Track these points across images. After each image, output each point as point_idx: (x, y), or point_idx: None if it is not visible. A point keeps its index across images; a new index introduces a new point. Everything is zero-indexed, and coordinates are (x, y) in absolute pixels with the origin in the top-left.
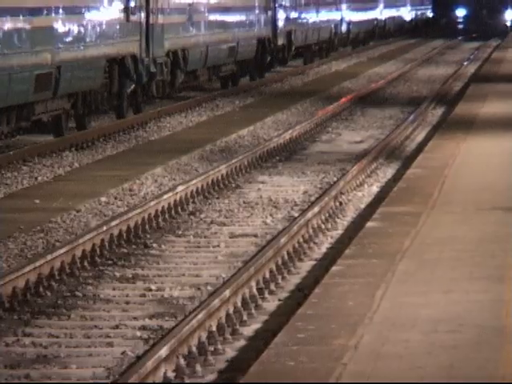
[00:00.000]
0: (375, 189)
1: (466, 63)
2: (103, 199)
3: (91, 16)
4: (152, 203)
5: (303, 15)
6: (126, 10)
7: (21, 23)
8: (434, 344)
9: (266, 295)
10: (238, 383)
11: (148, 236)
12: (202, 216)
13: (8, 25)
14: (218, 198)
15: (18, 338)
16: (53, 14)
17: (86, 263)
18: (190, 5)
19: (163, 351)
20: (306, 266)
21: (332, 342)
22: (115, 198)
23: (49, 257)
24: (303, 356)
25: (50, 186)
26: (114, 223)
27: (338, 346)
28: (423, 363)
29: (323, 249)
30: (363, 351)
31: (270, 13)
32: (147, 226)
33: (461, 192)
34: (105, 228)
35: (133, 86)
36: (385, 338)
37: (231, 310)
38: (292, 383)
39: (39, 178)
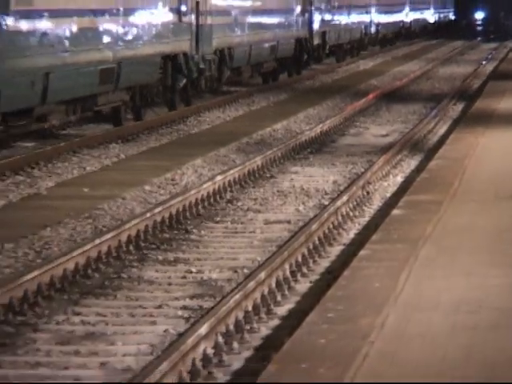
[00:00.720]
0: (400, 179)
1: (484, 62)
2: (147, 188)
3: (148, 17)
4: (192, 192)
5: (336, 17)
6: (179, 12)
7: (86, 23)
8: (455, 325)
9: (299, 277)
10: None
11: (188, 222)
12: (239, 204)
13: (75, 25)
14: (253, 187)
15: (68, 316)
16: (114, 16)
17: (131, 247)
18: (235, 7)
19: (203, 329)
20: (335, 250)
21: (359, 322)
22: (158, 187)
23: (97, 241)
24: (333, 334)
25: (98, 175)
26: (157, 210)
27: (365, 325)
28: (444, 343)
29: (351, 234)
30: (388, 330)
31: (306, 15)
32: (188, 213)
33: (480, 182)
34: (148, 215)
35: (184, 81)
36: (408, 318)
37: (266, 291)
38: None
39: (87, 168)
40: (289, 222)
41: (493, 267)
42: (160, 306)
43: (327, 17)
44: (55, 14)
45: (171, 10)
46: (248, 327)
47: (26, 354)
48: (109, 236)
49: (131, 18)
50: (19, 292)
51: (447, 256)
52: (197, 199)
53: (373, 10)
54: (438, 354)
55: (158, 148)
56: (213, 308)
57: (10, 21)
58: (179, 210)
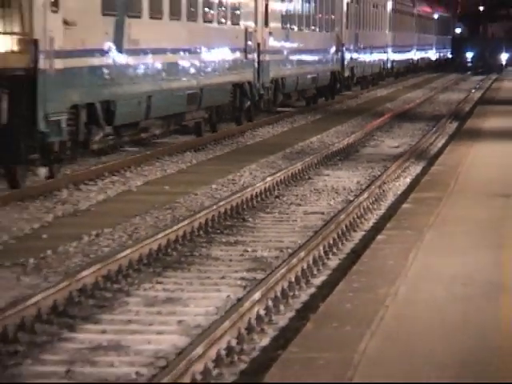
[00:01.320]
0: (408, 180)
1: (473, 91)
2: (214, 186)
3: (223, 55)
4: (248, 189)
5: (361, 55)
6: (245, 51)
7: (177, 59)
8: (453, 294)
9: (330, 256)
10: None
11: (245, 213)
12: (284, 199)
13: (169, 60)
14: (295, 186)
15: (153, 285)
16: (198, 53)
17: (201, 232)
18: (286, 48)
19: (256, 295)
20: (358, 235)
21: (377, 291)
22: (222, 186)
23: (174, 227)
24: (357, 300)
25: (176, 176)
26: (221, 203)
27: (381, 294)
28: (444, 309)
29: (370, 223)
30: (400, 298)
31: (339, 53)
32: (245, 206)
33: (471, 183)
34: (215, 207)
35: (248, 103)
36: (416, 288)
37: (305, 266)
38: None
39: (168, 171)
40: (322, 213)
41: (483, 248)
42: (223, 278)
43: (355, 55)
44: (154, 52)
45: (240, 49)
46: (291, 294)
47: (120, 314)
48: (184, 223)
49: (211, 55)
50: (115, 266)
51: (446, 240)
52: (252, 195)
53: (389, 50)
54: (439, 317)
55: (222, 155)
56: (264, 279)
57: (123, 57)
58: (238, 203)
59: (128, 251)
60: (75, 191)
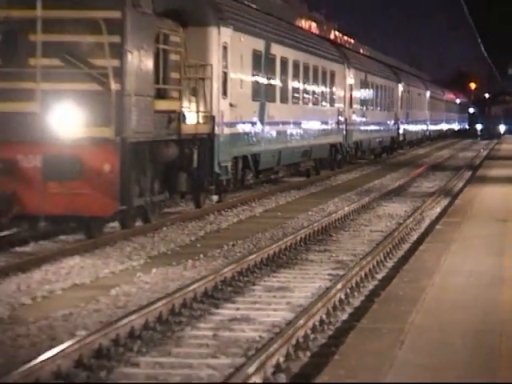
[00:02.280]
0: (439, 209)
1: (482, 150)
2: (310, 213)
3: (325, 125)
4: (333, 215)
5: (410, 127)
6: (337, 123)
7: (297, 127)
8: (470, 283)
9: (388, 260)
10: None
11: (331, 231)
12: (356, 221)
13: (291, 128)
14: (364, 213)
15: (270, 278)
16: (309, 123)
17: (302, 243)
18: (363, 122)
19: (339, 285)
20: (406, 246)
21: (421, 282)
22: (315, 212)
23: (284, 240)
24: (407, 289)
25: (285, 206)
26: (315, 224)
27: (423, 284)
28: (464, 293)
29: (414, 238)
30: (436, 287)
31: (396, 125)
32: (331, 226)
33: (481, 211)
34: (310, 226)
35: (339, 157)
36: (446, 280)
37: (371, 267)
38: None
39: (279, 202)
40: (382, 231)
41: (489, 255)
42: (316, 274)
43: (406, 126)
44: (283, 123)
45: (335, 122)
46: (362, 284)
47: (249, 297)
48: (291, 237)
49: (317, 126)
50: (245, 265)
51: (465, 250)
52: (335, 219)
53: (428, 123)
54: (461, 299)
55: (316, 192)
56: (344, 275)
57: (264, 127)
58: (326, 224)
59: (254, 255)
60: (218, 216)
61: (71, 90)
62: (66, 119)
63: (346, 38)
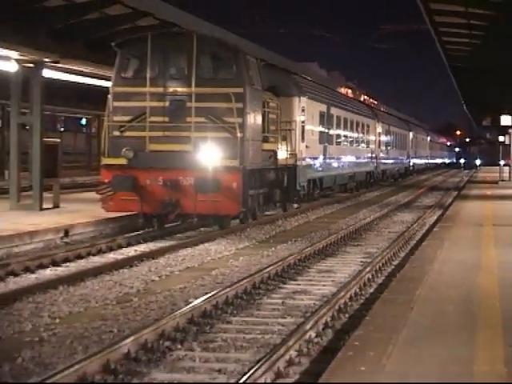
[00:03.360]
0: (435, 217)
1: (464, 177)
2: (346, 219)
3: (363, 159)
4: (363, 221)
5: (418, 160)
6: (371, 158)
7: (347, 160)
8: (458, 268)
9: (400, 252)
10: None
11: (361, 232)
12: (379, 225)
13: (341, 160)
14: (384, 220)
15: (320, 264)
16: (354, 158)
17: (341, 240)
18: (387, 157)
19: (367, 269)
20: (413, 242)
21: (424, 267)
22: (350, 219)
23: (329, 238)
24: (415, 272)
25: (329, 215)
26: (350, 227)
27: (426, 269)
28: (454, 275)
29: (418, 236)
30: (435, 270)
31: (409, 160)
32: (361, 228)
33: (465, 219)
34: (347, 229)
35: (372, 180)
36: (442, 265)
37: (389, 256)
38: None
39: (326, 212)
40: (396, 232)
41: (471, 249)
42: (352, 261)
43: (415, 160)
44: (337, 158)
45: (369, 158)
46: (383, 268)
47: (305, 277)
48: (333, 236)
49: (359, 159)
50: (303, 255)
51: (454, 245)
52: (364, 223)
53: (428, 158)
54: (452, 279)
55: (351, 205)
56: (370, 262)
57: (326, 160)
58: (358, 227)
59: (309, 249)
60: (284, 221)
61: (212, 137)
62: (209, 155)
63: (372, 100)
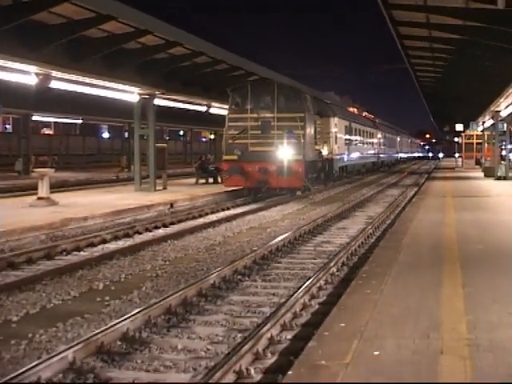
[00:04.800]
0: (413, 192)
1: (432, 165)
2: (353, 195)
3: (371, 154)
4: (365, 195)
5: (386, 156)
6: (374, 154)
7: (360, 156)
8: (429, 225)
9: (391, 214)
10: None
11: (364, 203)
12: (376, 198)
13: (358, 156)
14: (380, 194)
15: (337, 223)
16: (364, 155)
17: (350, 209)
18: (384, 153)
19: (369, 228)
20: (399, 209)
21: (407, 224)
22: (357, 194)
23: (341, 208)
24: (401, 227)
25: (341, 193)
26: (357, 200)
27: (408, 225)
28: (427, 229)
29: (402, 205)
30: (414, 225)
31: (377, 155)
32: (365, 200)
33: (433, 192)
34: (355, 200)
35: (375, 167)
36: (419, 223)
37: (384, 217)
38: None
39: (342, 189)
40: (388, 202)
41: (438, 212)
42: (359, 222)
43: (396, 155)
44: (355, 154)
45: (374, 153)
46: (381, 226)
47: (328, 232)
48: (347, 205)
49: (368, 155)
50: (326, 218)
51: (427, 210)
52: (366, 197)
53: (400, 152)
54: (425, 232)
55: (357, 185)
56: (371, 222)
57: (350, 156)
58: (362, 199)
59: (330, 213)
60: (315, 196)
61: (287, 142)
62: (285, 153)
63: (371, 115)
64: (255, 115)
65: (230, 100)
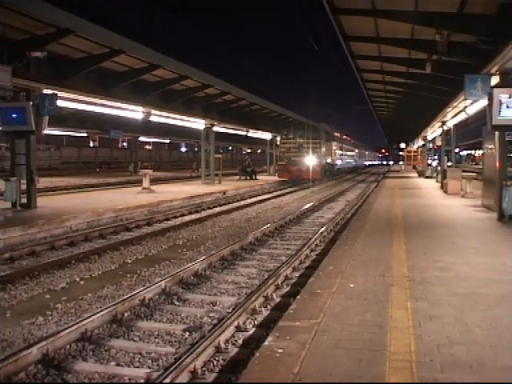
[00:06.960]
0: (374, 186)
1: (386, 169)
2: (344, 185)
3: (353, 161)
4: (348, 187)
5: (359, 163)
6: (355, 161)
7: (350, 161)
8: (384, 206)
9: (365, 198)
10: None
11: (346, 192)
12: (354, 188)
13: (347, 160)
14: (354, 187)
15: (330, 205)
16: (349, 161)
17: (337, 196)
18: (359, 160)
19: (347, 207)
20: (365, 196)
21: (371, 205)
22: (344, 188)
23: (333, 193)
24: (367, 206)
25: (335, 184)
26: (342, 189)
27: (372, 206)
28: (383, 207)
29: (367, 194)
30: (375, 207)
31: (355, 163)
32: (345, 191)
33: (387, 186)
34: (340, 190)
35: (357, 170)
36: (378, 205)
37: (360, 202)
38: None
39: (332, 183)
40: (359, 192)
41: (390, 198)
42: (340, 204)
43: (364, 161)
44: (344, 161)
45: (354, 160)
46: (356, 206)
47: (322, 210)
48: (334, 193)
49: (351, 161)
50: (321, 201)
51: (382, 197)
52: (346, 188)
53: (367, 158)
54: (384, 209)
55: (341, 180)
56: (348, 204)
57: (341, 162)
58: (343, 189)
59: (325, 198)
60: (318, 186)
61: (311, 155)
62: (311, 161)
63: (350, 137)
64: (295, 140)
65: (281, 132)
